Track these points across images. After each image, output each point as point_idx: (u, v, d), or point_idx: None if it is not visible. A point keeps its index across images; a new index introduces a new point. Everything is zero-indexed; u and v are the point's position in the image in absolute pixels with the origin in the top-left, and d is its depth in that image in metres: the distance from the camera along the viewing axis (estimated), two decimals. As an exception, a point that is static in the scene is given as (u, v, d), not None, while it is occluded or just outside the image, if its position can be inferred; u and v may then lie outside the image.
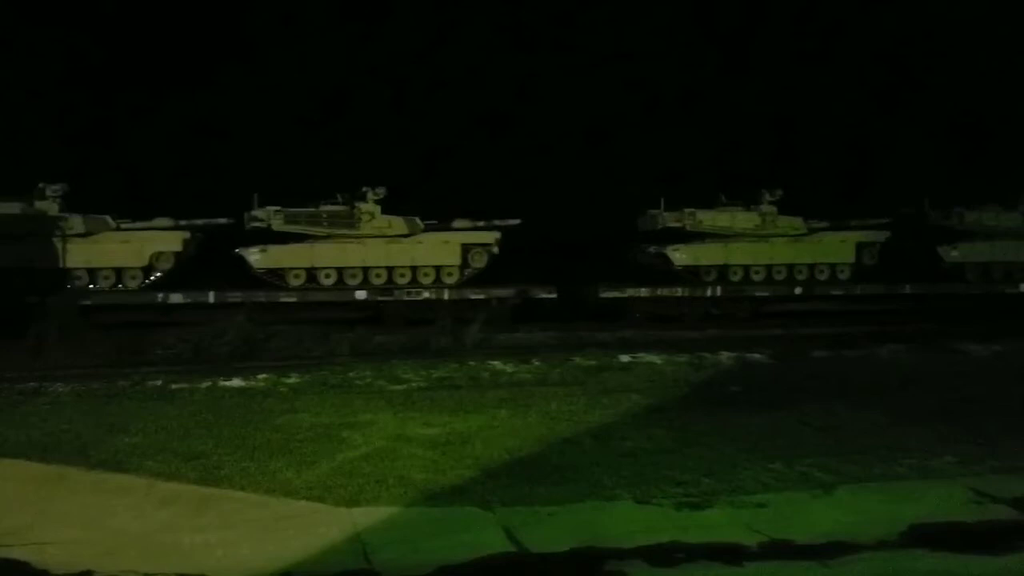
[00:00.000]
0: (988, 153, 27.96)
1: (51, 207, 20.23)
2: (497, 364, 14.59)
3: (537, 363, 14.69)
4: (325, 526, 7.14)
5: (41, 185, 20.25)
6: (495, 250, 21.96)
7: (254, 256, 21.10)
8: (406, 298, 21.35)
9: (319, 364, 14.75)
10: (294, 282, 21.29)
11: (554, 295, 21.65)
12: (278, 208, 21.16)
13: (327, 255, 21.34)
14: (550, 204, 24.02)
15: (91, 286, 20.54)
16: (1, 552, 6.59)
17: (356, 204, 21.45)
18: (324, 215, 21.38)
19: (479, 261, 21.92)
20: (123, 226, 20.95)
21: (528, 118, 28.24)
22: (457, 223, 21.98)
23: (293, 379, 13.32)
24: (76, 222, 20.39)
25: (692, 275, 22.85)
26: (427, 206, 21.96)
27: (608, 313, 21.78)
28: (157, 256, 20.87)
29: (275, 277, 21.28)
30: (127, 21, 27.03)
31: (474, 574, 6.29)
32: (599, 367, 14.39)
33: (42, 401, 12.04)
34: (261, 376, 13.44)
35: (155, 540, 6.86)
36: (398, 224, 21.56)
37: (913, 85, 29.75)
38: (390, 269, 21.54)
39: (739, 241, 22.98)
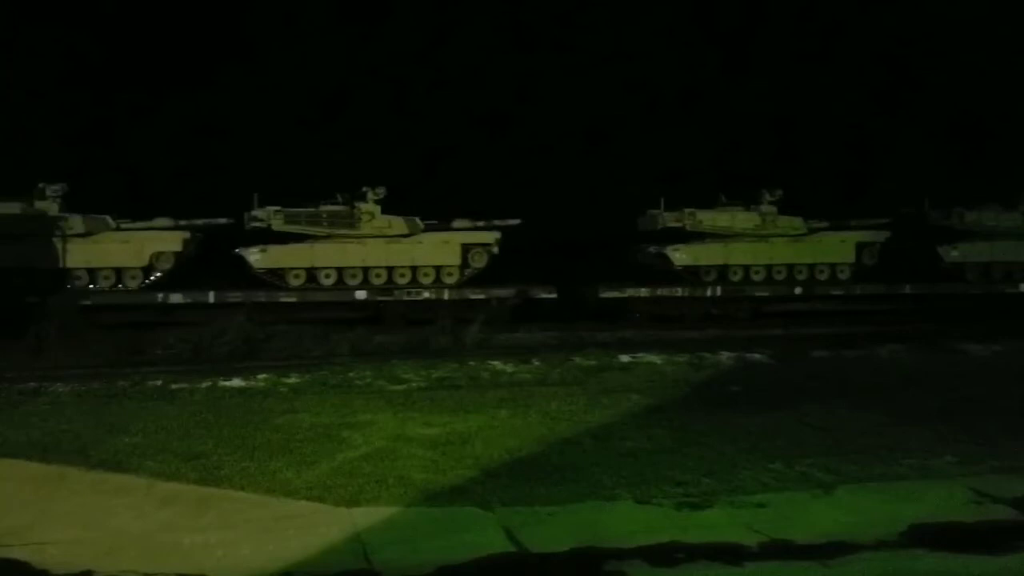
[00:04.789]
0: (988, 153, 27.98)
1: (51, 207, 20.23)
2: (497, 364, 14.57)
3: (537, 363, 14.68)
4: (325, 526, 7.13)
5: (41, 185, 20.26)
6: (495, 250, 21.96)
7: (254, 256, 21.11)
8: (406, 298, 21.36)
9: (319, 364, 14.73)
10: (294, 282, 21.29)
11: (554, 295, 21.66)
12: (278, 208, 21.16)
13: (327, 255, 21.34)
14: (550, 204, 24.04)
15: (91, 286, 20.54)
16: (1, 552, 6.58)
17: (356, 204, 21.46)
18: (324, 215, 21.39)
19: (479, 261, 21.92)
20: (123, 226, 20.95)
21: (528, 118, 28.26)
22: (457, 223, 21.99)
23: (293, 379, 13.31)
24: (76, 222, 20.40)
25: (692, 275, 22.85)
26: (427, 206, 21.97)
27: (608, 313, 21.78)
28: (157, 256, 20.87)
29: (275, 277, 21.28)
30: (127, 21, 27.04)
31: (474, 574, 6.29)
32: (599, 367, 14.38)
33: (42, 401, 12.03)
34: (261, 376, 13.43)
35: (155, 540, 6.86)
36: (398, 224, 21.56)
37: (913, 85, 29.76)
38: (390, 269, 21.54)
39: (739, 241, 22.98)
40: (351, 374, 13.73)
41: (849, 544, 6.68)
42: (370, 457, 9.01)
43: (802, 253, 23.24)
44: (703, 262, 22.93)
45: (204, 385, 12.83)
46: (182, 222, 21.23)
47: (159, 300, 20.43)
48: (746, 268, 23.03)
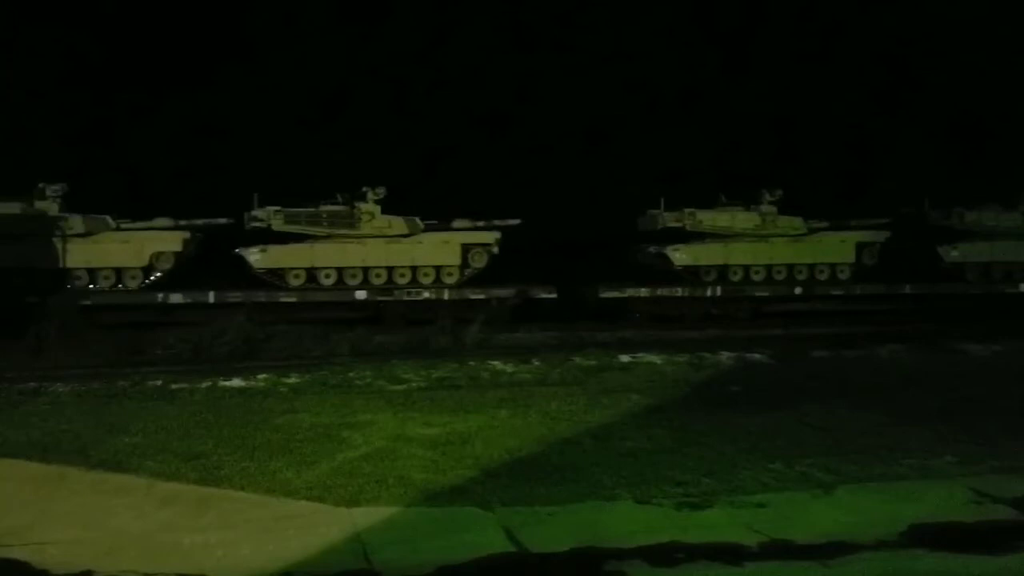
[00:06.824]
0: (988, 153, 27.99)
1: (51, 207, 20.24)
2: (497, 364, 14.57)
3: (537, 363, 14.67)
4: (325, 526, 7.13)
5: (41, 185, 20.26)
6: (495, 250, 21.96)
7: (254, 256, 21.11)
8: (406, 298, 21.36)
9: (319, 364, 14.73)
10: (294, 282, 21.29)
11: (554, 295, 21.66)
12: (278, 208, 21.16)
13: (327, 255, 21.34)
14: (550, 204, 24.04)
15: (91, 286, 20.54)
16: (1, 552, 6.58)
17: (356, 204, 21.46)
18: (324, 215, 21.39)
19: (479, 261, 21.92)
20: (123, 226, 20.96)
21: (528, 118, 28.27)
22: (457, 223, 21.99)
23: (293, 379, 13.31)
24: (76, 222, 20.40)
25: (692, 275, 22.85)
26: (427, 206, 21.97)
27: (608, 313, 21.78)
28: (157, 256, 20.88)
29: (275, 277, 21.28)
30: (127, 21, 27.05)
31: (474, 574, 6.29)
32: (599, 367, 14.38)
33: (42, 401, 12.03)
34: (261, 376, 13.43)
35: (155, 540, 6.86)
36: (398, 224, 21.56)
37: (913, 85, 29.77)
38: (390, 269, 21.54)
39: (739, 241, 22.98)
40: (351, 374, 13.73)
41: (849, 544, 6.68)
42: (370, 457, 9.01)
43: (802, 253, 23.24)
44: (703, 262, 22.93)
45: (204, 385, 12.83)
46: (182, 222, 21.23)
47: (159, 300, 20.43)
48: (746, 268, 23.03)
